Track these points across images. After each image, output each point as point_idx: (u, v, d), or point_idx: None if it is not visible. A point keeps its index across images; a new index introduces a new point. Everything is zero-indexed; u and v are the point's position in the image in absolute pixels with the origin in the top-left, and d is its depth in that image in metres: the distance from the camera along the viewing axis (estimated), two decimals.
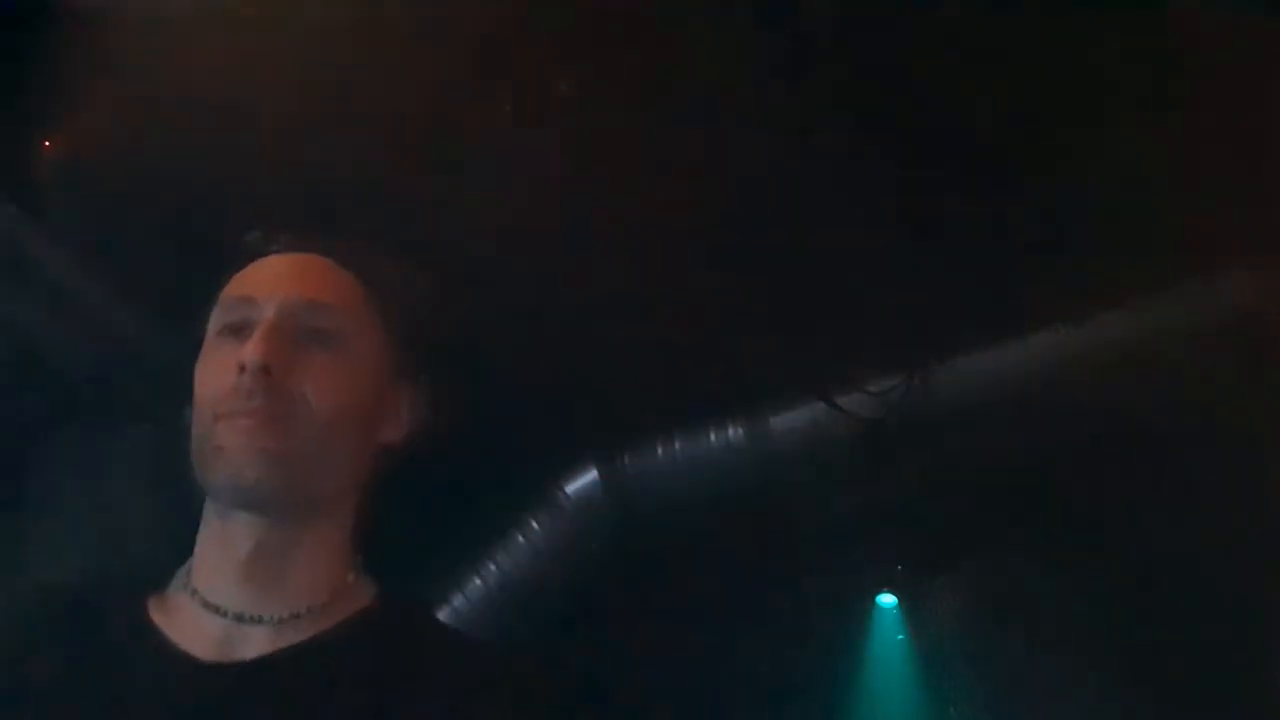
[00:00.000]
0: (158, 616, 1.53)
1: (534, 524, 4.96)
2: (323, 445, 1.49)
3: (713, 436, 4.79)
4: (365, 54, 3.50)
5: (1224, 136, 3.71)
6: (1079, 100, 3.81)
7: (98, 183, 3.79)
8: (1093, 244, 4.12)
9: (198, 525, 1.56)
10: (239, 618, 1.49)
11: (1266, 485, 4.26)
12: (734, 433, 4.77)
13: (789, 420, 4.72)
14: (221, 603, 1.50)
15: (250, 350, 1.48)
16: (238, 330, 1.52)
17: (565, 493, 4.96)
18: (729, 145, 3.85)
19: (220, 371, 1.50)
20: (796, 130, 3.86)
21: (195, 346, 1.58)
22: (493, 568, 4.94)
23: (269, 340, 1.49)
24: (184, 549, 1.58)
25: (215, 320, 1.57)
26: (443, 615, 4.92)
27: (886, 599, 5.94)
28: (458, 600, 4.94)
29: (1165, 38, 3.63)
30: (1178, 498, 4.56)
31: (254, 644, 1.49)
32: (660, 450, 4.86)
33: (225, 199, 3.70)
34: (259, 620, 1.49)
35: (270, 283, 1.56)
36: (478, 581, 4.95)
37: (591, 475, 4.95)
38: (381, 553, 1.63)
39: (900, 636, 5.93)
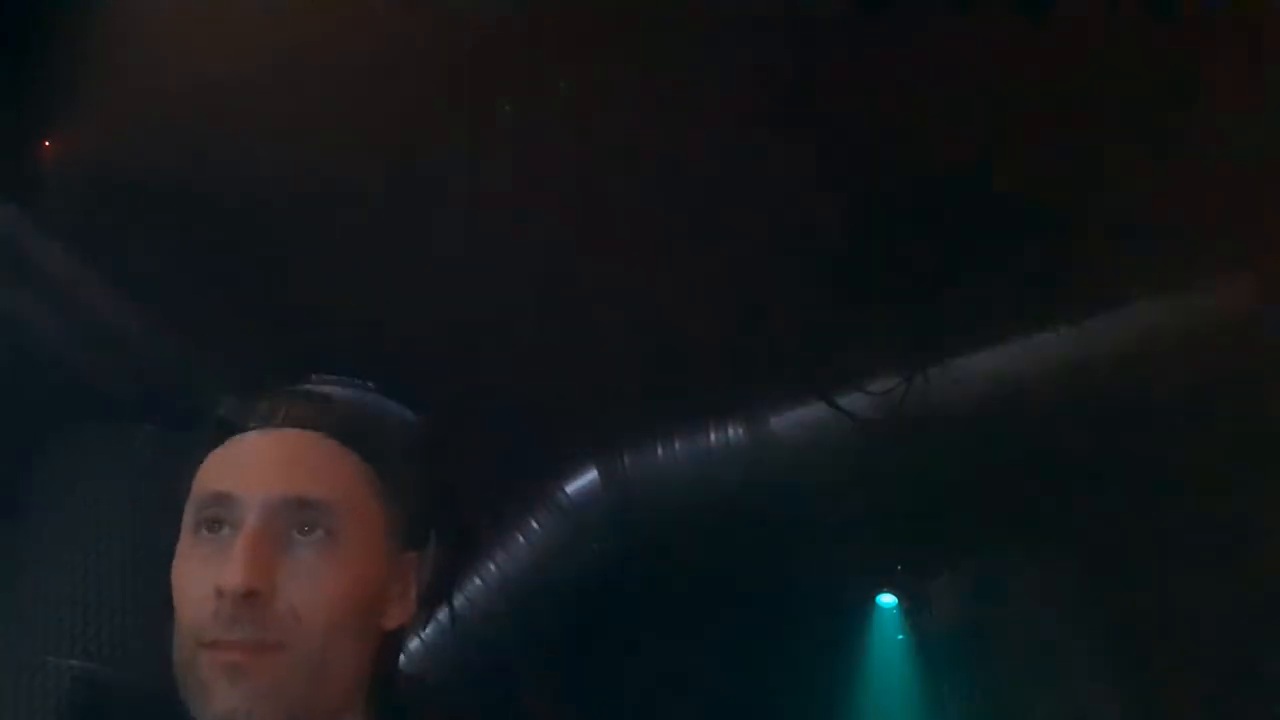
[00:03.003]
0: None
1: (534, 524, 4.97)
2: (320, 664, 1.31)
3: (713, 436, 4.79)
4: (365, 55, 3.50)
5: (1224, 137, 3.71)
6: (1078, 101, 3.81)
7: (98, 183, 3.79)
8: (1093, 244, 4.12)
9: None
10: None
11: (1267, 484, 4.26)
12: (734, 433, 4.78)
13: (789, 420, 4.72)
14: None
15: (231, 573, 1.28)
16: (216, 528, 1.33)
17: (565, 493, 4.96)
18: (730, 148, 3.84)
19: (199, 589, 1.31)
20: (799, 135, 3.85)
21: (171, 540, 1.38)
22: (493, 568, 4.95)
23: (252, 558, 1.29)
24: None
25: (190, 514, 1.36)
26: (442, 615, 4.92)
27: (886, 599, 5.94)
28: (458, 600, 4.93)
29: (1165, 39, 3.63)
30: (1177, 497, 4.56)
31: None
32: (660, 450, 4.86)
33: (226, 201, 3.71)
34: None
35: (251, 476, 1.35)
36: (478, 581, 4.95)
37: (591, 475, 4.95)
38: None
39: (900, 636, 5.94)
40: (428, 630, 4.90)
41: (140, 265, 4.00)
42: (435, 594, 1.46)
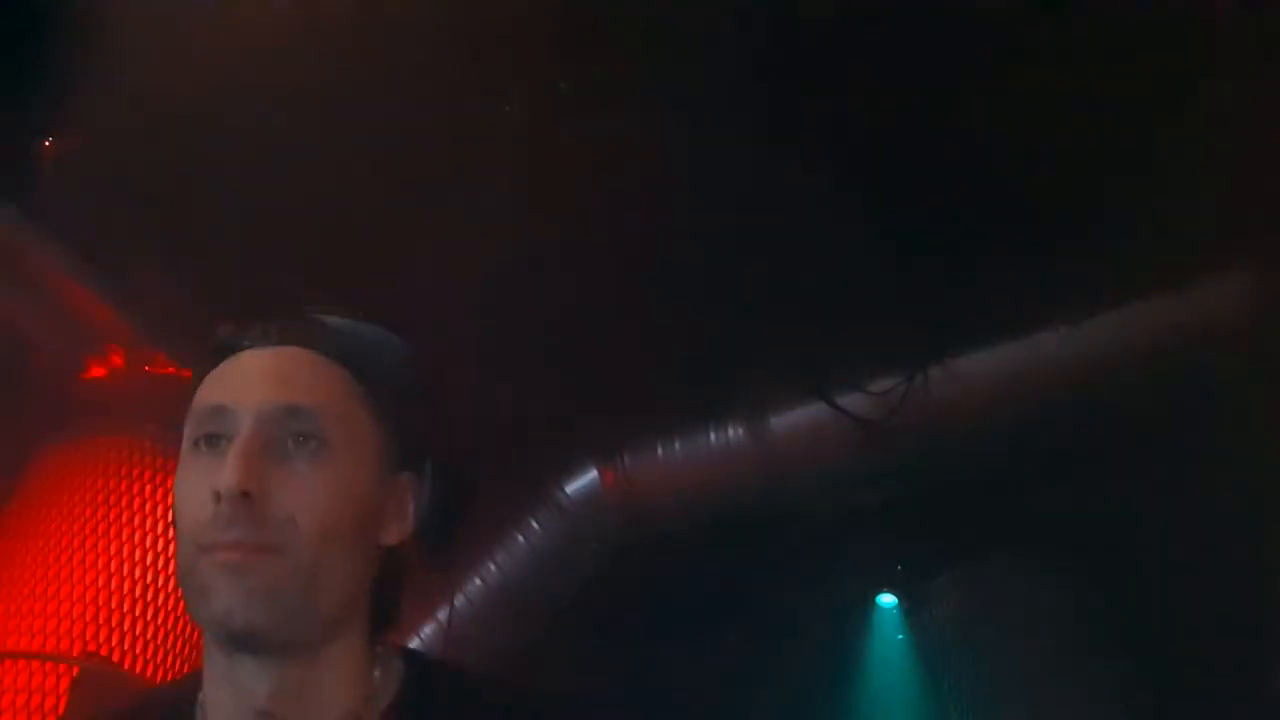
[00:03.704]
0: None
1: (534, 524, 4.96)
2: (317, 570, 1.35)
3: (713, 436, 4.79)
4: (366, 56, 3.50)
5: (1224, 137, 3.71)
6: (1078, 101, 3.81)
7: (98, 182, 3.79)
8: (1093, 244, 4.12)
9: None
10: None
11: (1267, 485, 4.26)
12: (734, 433, 4.77)
13: (789, 420, 4.72)
14: None
15: (226, 475, 1.33)
16: (214, 442, 1.38)
17: (565, 493, 4.96)
18: (730, 148, 3.85)
19: (197, 496, 1.36)
20: (798, 130, 3.86)
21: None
22: (493, 568, 4.95)
23: (246, 461, 1.34)
24: None
25: (189, 430, 1.41)
26: (443, 616, 4.93)
27: (886, 599, 5.94)
28: (458, 600, 4.94)
29: (1165, 38, 3.63)
30: (1178, 498, 4.56)
31: None
32: (660, 450, 4.86)
33: (226, 201, 3.71)
34: None
35: (245, 388, 1.40)
36: (478, 581, 4.95)
37: (591, 475, 4.95)
38: None
39: (900, 636, 5.94)
40: (428, 630, 4.90)
41: (140, 264, 4.01)
42: (433, 518, 1.49)
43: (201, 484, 1.36)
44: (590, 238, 3.96)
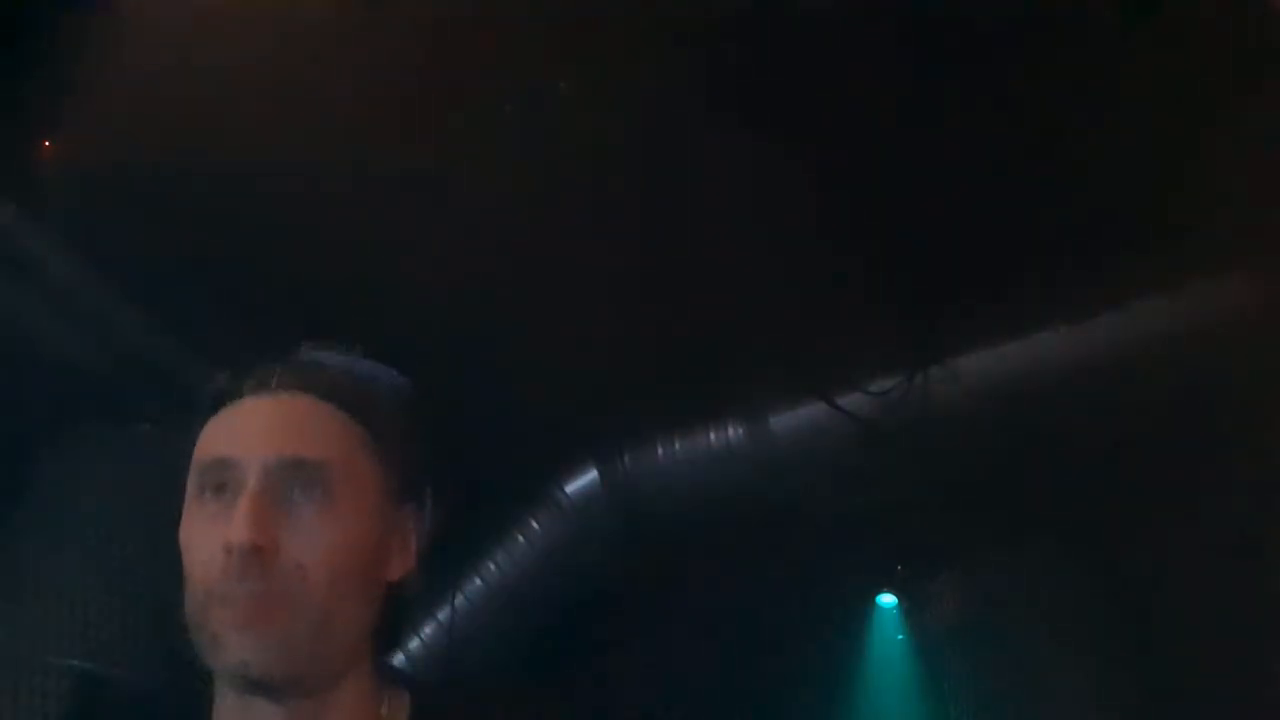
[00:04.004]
0: None
1: (534, 524, 4.97)
2: (327, 615, 1.38)
3: (713, 436, 4.79)
4: (366, 57, 3.50)
5: (1225, 136, 3.72)
6: (1079, 100, 3.82)
7: (98, 182, 3.79)
8: (1093, 244, 4.12)
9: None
10: None
11: (1267, 485, 4.26)
12: (734, 433, 4.78)
13: (789, 420, 4.72)
14: None
15: (236, 530, 1.36)
16: (219, 491, 1.41)
17: (565, 493, 4.96)
18: (731, 147, 3.85)
19: (206, 547, 1.39)
20: (798, 130, 3.86)
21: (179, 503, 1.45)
22: (493, 568, 4.95)
23: (256, 515, 1.36)
24: None
25: (194, 480, 1.44)
26: (443, 615, 4.93)
27: (886, 599, 5.94)
28: (458, 600, 4.94)
29: (1166, 37, 3.63)
30: (1178, 497, 4.56)
31: None
32: (660, 450, 4.86)
33: (226, 201, 3.71)
34: None
35: (249, 441, 1.42)
36: (478, 581, 4.95)
37: (591, 475, 4.95)
38: None
39: (900, 636, 5.94)
40: (427, 630, 4.90)
41: (140, 264, 4.01)
42: (433, 545, 1.52)
43: (210, 535, 1.39)
44: (591, 237, 3.96)
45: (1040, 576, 5.42)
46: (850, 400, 4.57)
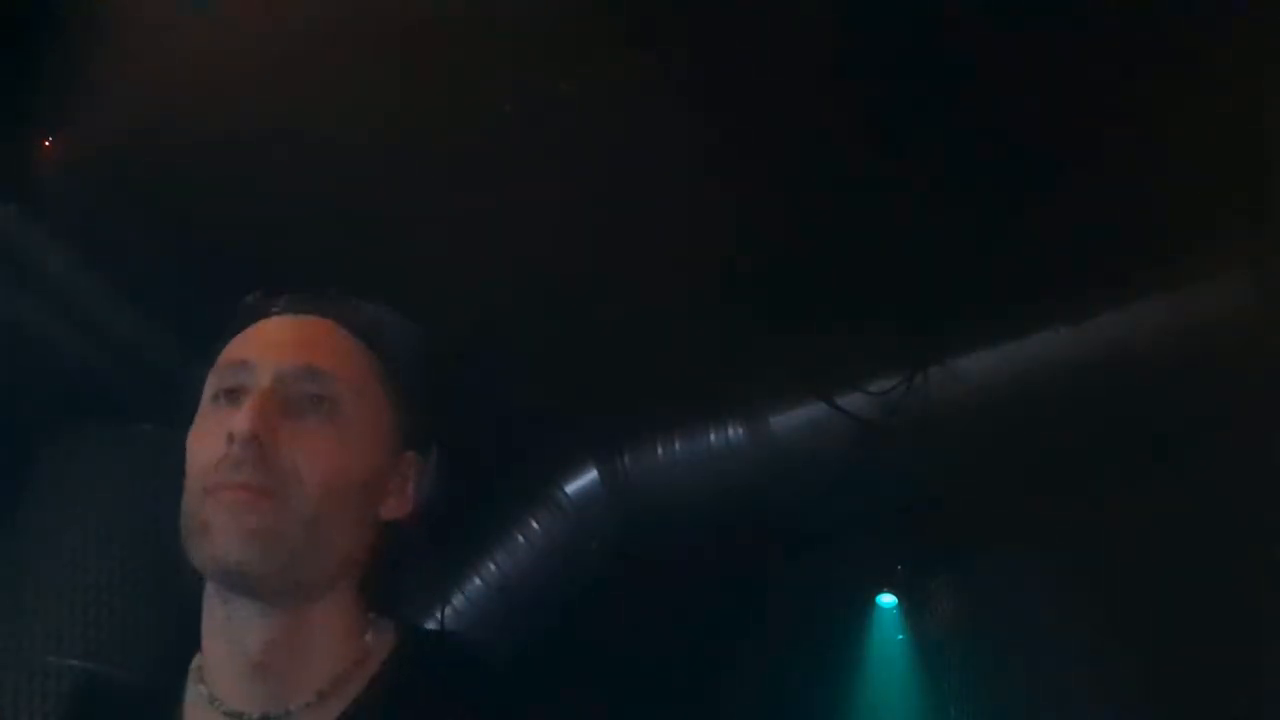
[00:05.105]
0: None
1: (534, 524, 4.97)
2: (314, 521, 1.41)
3: (713, 436, 4.79)
4: (366, 56, 3.50)
5: (1224, 136, 3.72)
6: (1079, 100, 3.82)
7: (98, 182, 3.79)
8: (1093, 244, 4.12)
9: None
10: (265, 718, 1.44)
11: (1267, 485, 4.26)
12: (734, 433, 4.78)
13: (789, 420, 4.72)
14: (243, 708, 1.45)
15: (240, 419, 1.40)
16: (233, 396, 1.46)
17: (565, 493, 4.96)
18: (731, 147, 3.85)
19: (211, 440, 1.43)
20: (798, 130, 3.86)
21: (190, 411, 1.50)
22: (493, 568, 4.95)
23: (261, 409, 1.41)
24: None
25: (210, 386, 1.49)
26: (443, 615, 4.93)
27: (886, 599, 5.95)
28: (458, 600, 4.94)
29: (1167, 37, 3.63)
30: (1177, 497, 4.56)
31: None
32: (660, 450, 4.86)
33: (226, 201, 3.71)
34: (285, 715, 1.44)
35: (267, 347, 1.49)
36: (478, 581, 4.95)
37: (591, 475, 4.95)
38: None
39: (900, 636, 5.94)
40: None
41: (140, 264, 4.01)
42: (434, 501, 1.56)
43: (217, 430, 1.43)
44: (590, 237, 3.96)
45: (1040, 576, 5.42)
46: (850, 400, 4.57)
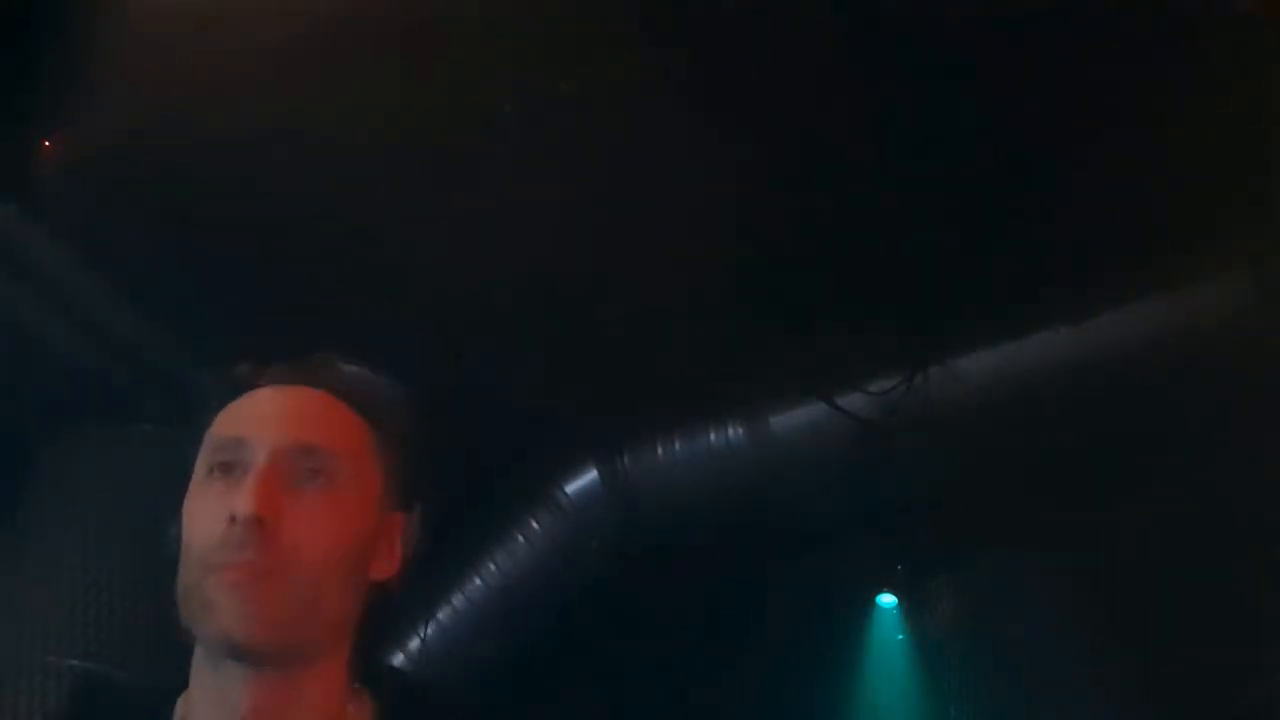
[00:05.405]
0: None
1: (534, 524, 4.97)
2: (314, 596, 1.45)
3: (713, 436, 4.80)
4: (366, 56, 3.50)
5: (1224, 136, 3.72)
6: (1079, 101, 3.81)
7: (98, 182, 3.79)
8: (1093, 244, 4.12)
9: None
10: None
11: (1267, 485, 4.26)
12: (734, 433, 4.78)
13: (789, 420, 4.72)
14: None
15: (243, 501, 1.42)
16: (228, 470, 1.47)
17: (565, 493, 4.96)
18: (730, 147, 3.85)
19: (210, 518, 1.45)
20: (797, 130, 3.86)
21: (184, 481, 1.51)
22: (493, 568, 4.95)
23: (262, 489, 1.43)
24: None
25: (204, 459, 1.50)
26: (443, 616, 4.93)
27: (886, 599, 5.94)
28: (458, 600, 4.94)
29: (1166, 37, 3.63)
30: (1177, 497, 4.56)
31: None
32: (660, 450, 4.86)
33: (226, 201, 3.71)
34: None
35: (263, 423, 1.50)
36: (478, 581, 4.95)
37: (591, 475, 4.95)
38: None
39: (900, 636, 5.94)
40: (428, 630, 4.90)
41: (140, 264, 4.01)
42: (416, 555, 1.59)
43: (216, 508, 1.45)
44: (590, 237, 3.96)
45: (1040, 577, 5.42)
46: (850, 400, 4.57)
